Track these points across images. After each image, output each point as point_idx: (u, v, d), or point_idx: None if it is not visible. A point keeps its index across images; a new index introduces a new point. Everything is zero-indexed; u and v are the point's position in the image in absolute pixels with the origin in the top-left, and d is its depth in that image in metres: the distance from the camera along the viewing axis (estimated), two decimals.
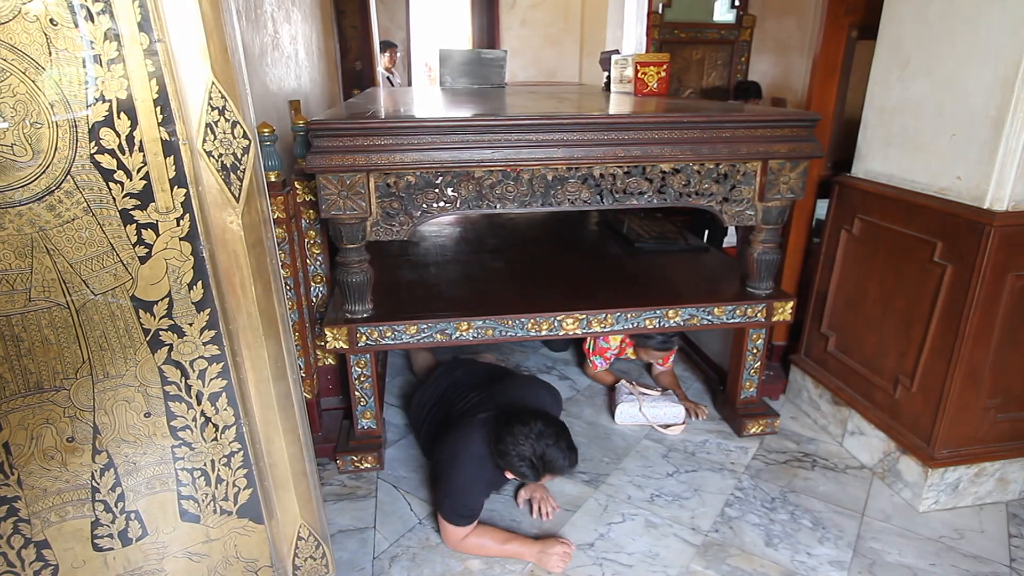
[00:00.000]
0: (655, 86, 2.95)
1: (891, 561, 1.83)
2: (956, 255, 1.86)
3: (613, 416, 2.50)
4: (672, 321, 2.19)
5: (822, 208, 2.54)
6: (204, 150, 1.11)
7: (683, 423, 2.46)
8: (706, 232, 3.81)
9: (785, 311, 2.26)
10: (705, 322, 2.22)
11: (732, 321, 2.24)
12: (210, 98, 1.09)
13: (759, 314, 2.24)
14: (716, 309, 2.21)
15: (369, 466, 2.20)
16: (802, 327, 2.59)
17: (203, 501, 1.34)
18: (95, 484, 1.22)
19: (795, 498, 2.09)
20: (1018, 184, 1.75)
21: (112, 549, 1.27)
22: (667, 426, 2.43)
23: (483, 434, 1.87)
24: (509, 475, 1.86)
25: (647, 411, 2.41)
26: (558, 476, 1.86)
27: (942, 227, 1.91)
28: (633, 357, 2.86)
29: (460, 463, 1.85)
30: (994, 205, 1.78)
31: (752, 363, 2.39)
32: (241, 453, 1.34)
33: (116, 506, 1.25)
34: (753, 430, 2.41)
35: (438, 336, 2.07)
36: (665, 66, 2.96)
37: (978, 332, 1.85)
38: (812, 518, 2.00)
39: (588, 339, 2.78)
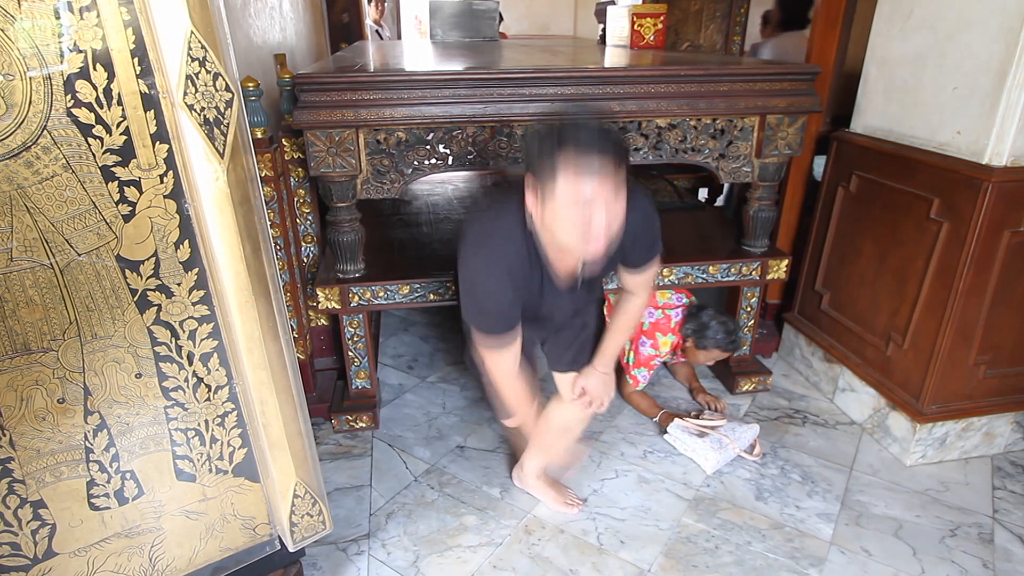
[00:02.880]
0: (652, 39, 2.88)
1: (877, 513, 1.87)
2: (953, 212, 1.85)
3: (704, 468, 2.04)
4: (667, 279, 2.18)
5: (818, 166, 2.51)
6: (185, 103, 1.07)
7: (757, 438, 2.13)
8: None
9: (780, 269, 2.25)
10: (700, 280, 2.21)
11: (727, 279, 2.23)
12: (189, 48, 1.04)
13: (754, 272, 2.23)
14: (711, 267, 2.20)
15: (364, 425, 2.22)
16: (796, 285, 2.59)
17: (198, 461, 1.34)
18: (88, 445, 1.21)
19: (785, 453, 2.12)
20: (1018, 139, 1.73)
21: (109, 508, 1.27)
22: (751, 450, 2.11)
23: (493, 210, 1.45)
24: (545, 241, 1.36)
25: (738, 444, 2.07)
26: (579, 155, 1.21)
27: (939, 183, 1.89)
28: (684, 358, 2.36)
29: (466, 261, 1.44)
30: (993, 160, 1.76)
31: (746, 321, 2.39)
32: (235, 413, 1.34)
33: (111, 466, 1.25)
34: (746, 387, 2.43)
35: (431, 296, 2.06)
36: (662, 18, 2.88)
37: (971, 289, 1.85)
38: (802, 472, 2.03)
39: (626, 351, 2.26)
